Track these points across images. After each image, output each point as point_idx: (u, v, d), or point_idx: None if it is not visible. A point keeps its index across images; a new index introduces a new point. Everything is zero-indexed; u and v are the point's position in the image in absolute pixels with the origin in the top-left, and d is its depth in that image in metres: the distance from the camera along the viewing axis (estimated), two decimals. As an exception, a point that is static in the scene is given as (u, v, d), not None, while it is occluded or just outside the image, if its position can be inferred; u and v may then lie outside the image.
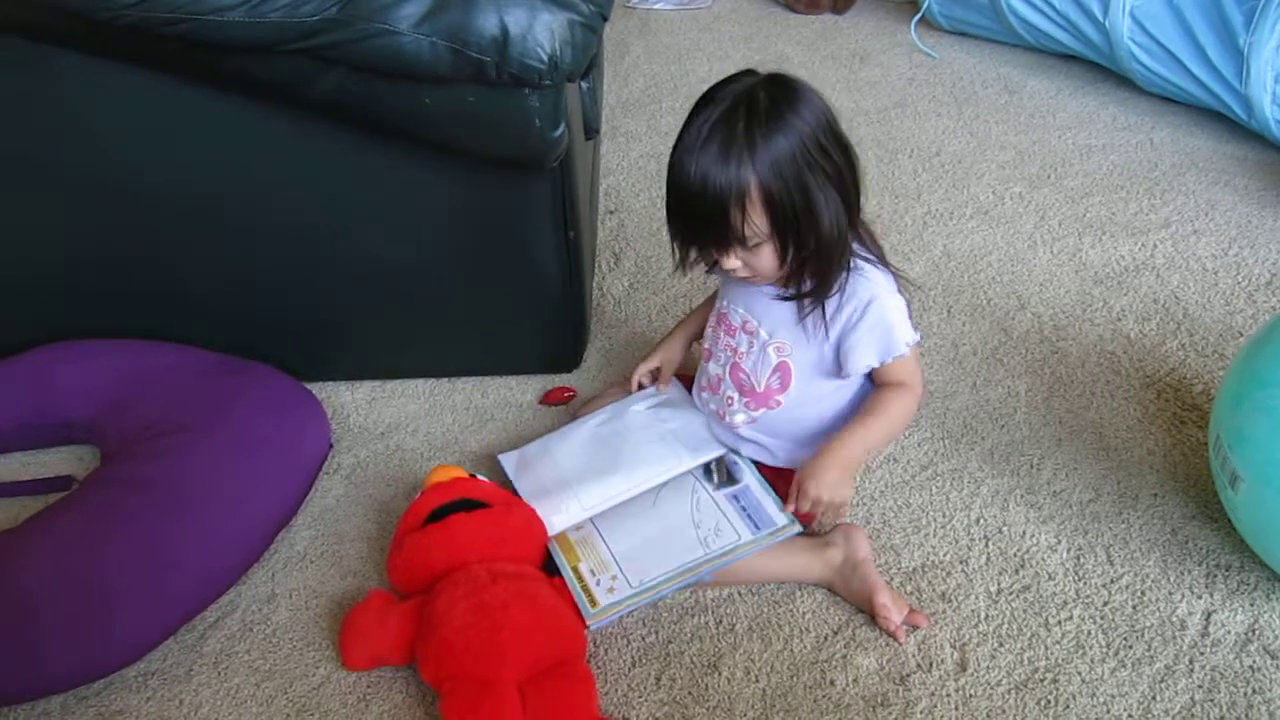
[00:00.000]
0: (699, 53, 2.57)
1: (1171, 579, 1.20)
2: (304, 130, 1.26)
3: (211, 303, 1.44)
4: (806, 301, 1.14)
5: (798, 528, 1.16)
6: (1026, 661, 1.11)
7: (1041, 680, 1.09)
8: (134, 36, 1.12)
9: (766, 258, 1.09)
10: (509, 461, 1.34)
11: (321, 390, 1.50)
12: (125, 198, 1.33)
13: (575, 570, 1.16)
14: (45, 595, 1.10)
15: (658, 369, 1.37)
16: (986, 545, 1.25)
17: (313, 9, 1.10)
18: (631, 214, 1.92)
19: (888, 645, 1.14)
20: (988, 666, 1.11)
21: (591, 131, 1.51)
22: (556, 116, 1.20)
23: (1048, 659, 1.11)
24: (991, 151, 2.08)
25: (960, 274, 1.72)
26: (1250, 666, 1.10)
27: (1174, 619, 1.15)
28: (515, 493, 1.28)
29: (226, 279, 1.42)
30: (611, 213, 1.92)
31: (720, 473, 1.24)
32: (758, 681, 1.11)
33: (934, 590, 1.19)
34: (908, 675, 1.10)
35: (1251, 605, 1.16)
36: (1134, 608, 1.17)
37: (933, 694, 1.09)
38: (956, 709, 1.07)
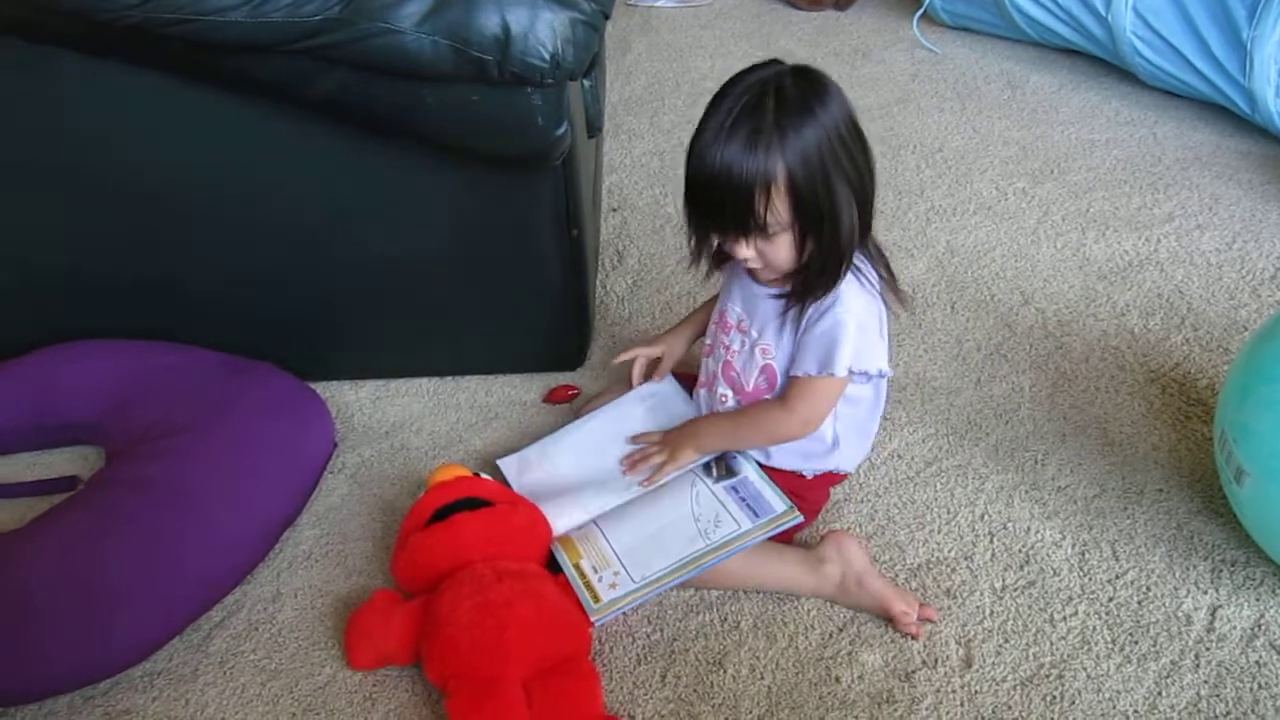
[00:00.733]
0: (701, 50, 2.57)
1: (1177, 574, 1.19)
2: (306, 130, 1.26)
3: (214, 303, 1.44)
4: (792, 298, 1.13)
5: (798, 515, 1.15)
6: (1032, 657, 1.11)
7: (1047, 676, 1.09)
8: (136, 37, 1.12)
9: (783, 249, 1.07)
10: (509, 466, 1.34)
11: (325, 390, 1.50)
12: (128, 198, 1.33)
13: (577, 567, 1.16)
14: (51, 595, 1.10)
15: (658, 359, 1.37)
16: (991, 541, 1.25)
17: (314, 9, 1.10)
18: (634, 212, 1.92)
19: (893, 642, 1.14)
20: (993, 662, 1.11)
21: (594, 129, 1.51)
22: (559, 115, 1.20)
23: (1053, 655, 1.11)
24: (994, 147, 2.08)
25: (964, 270, 1.72)
26: (1256, 661, 1.10)
27: (1179, 614, 1.15)
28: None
29: (229, 279, 1.42)
30: (614, 210, 1.92)
31: (719, 467, 1.24)
32: (763, 679, 1.11)
33: (939, 586, 1.19)
34: (913, 672, 1.10)
35: (1257, 600, 1.16)
36: (1139, 603, 1.16)
37: (938, 690, 1.08)
38: (962, 705, 1.07)
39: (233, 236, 1.37)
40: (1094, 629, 1.14)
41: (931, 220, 1.85)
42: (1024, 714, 1.06)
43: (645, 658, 1.14)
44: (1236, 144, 2.04)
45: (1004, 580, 1.20)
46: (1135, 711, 1.06)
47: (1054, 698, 1.07)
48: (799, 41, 2.59)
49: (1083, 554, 1.22)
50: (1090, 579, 1.19)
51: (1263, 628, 1.13)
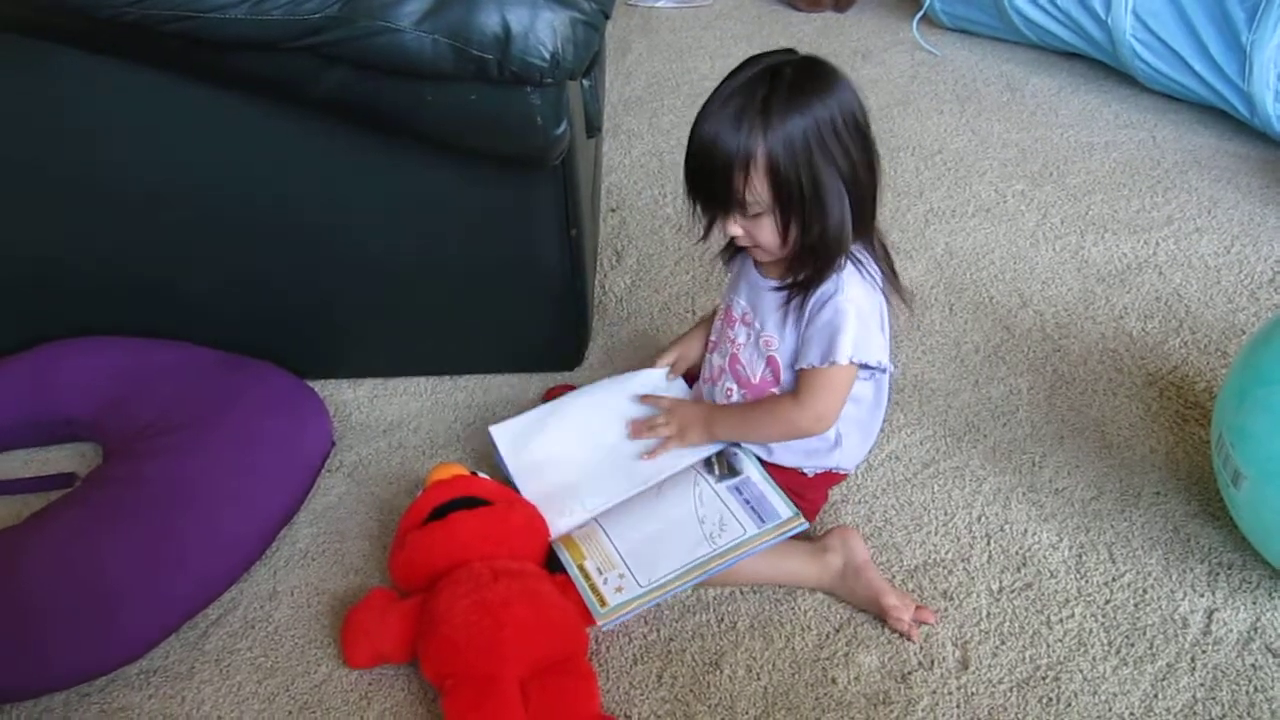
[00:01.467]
0: (701, 50, 2.57)
1: (1174, 577, 1.20)
2: (305, 128, 1.26)
3: (213, 300, 1.44)
4: (792, 290, 1.14)
5: (803, 522, 1.16)
6: (1028, 659, 1.11)
7: (1043, 678, 1.09)
8: (135, 34, 1.12)
9: (767, 230, 1.09)
10: (502, 435, 1.32)
11: (323, 388, 1.50)
12: (126, 196, 1.33)
13: (581, 569, 1.16)
14: (47, 593, 1.10)
15: (672, 364, 1.37)
16: (988, 543, 1.25)
17: (314, 7, 1.10)
18: (633, 212, 1.92)
19: (889, 643, 1.14)
20: (989, 664, 1.11)
21: (593, 129, 1.51)
22: (558, 114, 1.20)
23: (1049, 657, 1.11)
24: (993, 149, 2.08)
25: (962, 272, 1.72)
26: (1252, 665, 1.10)
27: (1176, 617, 1.15)
28: (509, 480, 1.27)
29: (228, 277, 1.42)
30: (613, 210, 1.92)
31: (722, 465, 1.24)
32: (759, 679, 1.11)
33: (936, 588, 1.19)
34: (909, 673, 1.10)
35: (1254, 603, 1.16)
36: (1136, 606, 1.16)
37: (934, 692, 1.09)
38: (958, 707, 1.07)
39: (231, 234, 1.37)
40: (1090, 631, 1.14)
41: (930, 222, 1.86)
42: (1020, 716, 1.06)
43: (642, 657, 1.14)
44: (1235, 147, 2.04)
45: (1001, 582, 1.20)
46: (1131, 714, 1.06)
47: (1050, 699, 1.07)
48: (798, 43, 2.57)
49: (1080, 556, 1.22)
50: (1087, 581, 1.19)
51: (1259, 631, 1.13)
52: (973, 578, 1.21)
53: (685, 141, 1.08)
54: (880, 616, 1.15)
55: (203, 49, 1.14)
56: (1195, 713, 1.05)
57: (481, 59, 1.12)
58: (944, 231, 1.83)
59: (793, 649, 1.14)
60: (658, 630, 1.16)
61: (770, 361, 1.19)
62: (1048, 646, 1.13)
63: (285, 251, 1.39)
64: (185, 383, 1.37)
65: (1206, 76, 2.02)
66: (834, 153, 1.05)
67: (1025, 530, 1.26)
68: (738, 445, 1.25)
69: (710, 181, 1.08)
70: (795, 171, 1.04)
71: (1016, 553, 1.23)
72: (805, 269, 1.12)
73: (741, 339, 1.22)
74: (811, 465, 1.23)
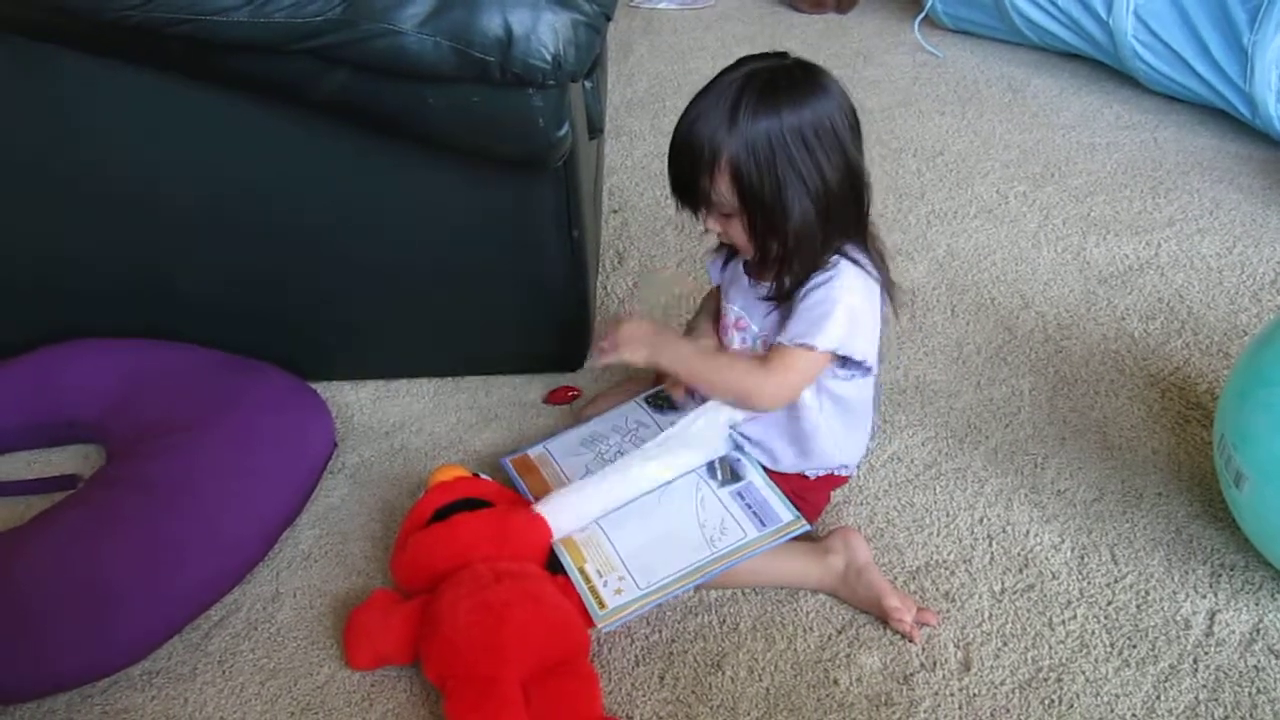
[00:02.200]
0: (703, 52, 2.57)
1: (1176, 578, 1.19)
2: (308, 130, 1.27)
3: (216, 302, 1.44)
4: (777, 300, 1.15)
5: (804, 525, 1.16)
6: (1030, 661, 1.11)
7: (1045, 680, 1.09)
8: (138, 37, 1.12)
9: (738, 231, 1.11)
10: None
11: (326, 389, 1.50)
12: (128, 198, 1.33)
13: (582, 571, 1.16)
14: (50, 594, 1.10)
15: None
16: (990, 544, 1.25)
17: (316, 9, 1.10)
18: (635, 213, 1.92)
19: (891, 644, 1.14)
20: (991, 666, 1.11)
21: (595, 131, 1.52)
22: (560, 116, 1.20)
23: (1052, 658, 1.11)
24: (995, 150, 2.08)
25: (964, 273, 1.72)
26: (1254, 666, 1.10)
27: (1178, 618, 1.15)
28: (518, 492, 1.28)
29: (230, 278, 1.42)
30: (615, 212, 1.92)
31: (724, 470, 1.23)
32: (761, 680, 1.11)
33: (937, 589, 1.19)
34: (911, 675, 1.10)
35: (1256, 605, 1.16)
36: (1138, 607, 1.16)
37: (936, 693, 1.08)
38: (960, 708, 1.07)
39: (234, 236, 1.37)
40: (1093, 633, 1.14)
41: (932, 223, 1.86)
42: (1022, 717, 1.06)
43: (644, 659, 1.14)
44: (1237, 148, 2.04)
45: (1003, 583, 1.20)
46: (1134, 715, 1.06)
47: (1052, 701, 1.07)
48: (801, 44, 2.60)
49: (1082, 557, 1.22)
50: (1089, 582, 1.19)
51: (1261, 632, 1.13)
52: (975, 579, 1.21)
53: (686, 143, 1.09)
54: (882, 618, 1.15)
55: (205, 51, 1.14)
56: (1198, 714, 1.05)
57: (483, 61, 1.12)
58: (946, 233, 1.83)
59: (795, 650, 1.14)
60: (660, 631, 1.16)
61: None
62: (1050, 648, 1.12)
63: (287, 253, 1.39)
64: (188, 384, 1.38)
65: (1208, 77, 2.02)
66: (799, 160, 1.05)
67: (1027, 531, 1.26)
68: (740, 451, 1.24)
69: (683, 179, 1.11)
70: (758, 175, 1.05)
71: (1018, 554, 1.23)
72: (788, 276, 1.12)
73: (737, 344, 1.22)
74: (812, 468, 1.23)
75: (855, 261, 1.13)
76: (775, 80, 1.06)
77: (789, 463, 1.22)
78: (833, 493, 1.29)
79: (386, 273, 1.41)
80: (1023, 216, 1.87)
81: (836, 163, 1.07)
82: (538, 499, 1.23)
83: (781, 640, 1.15)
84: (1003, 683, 1.09)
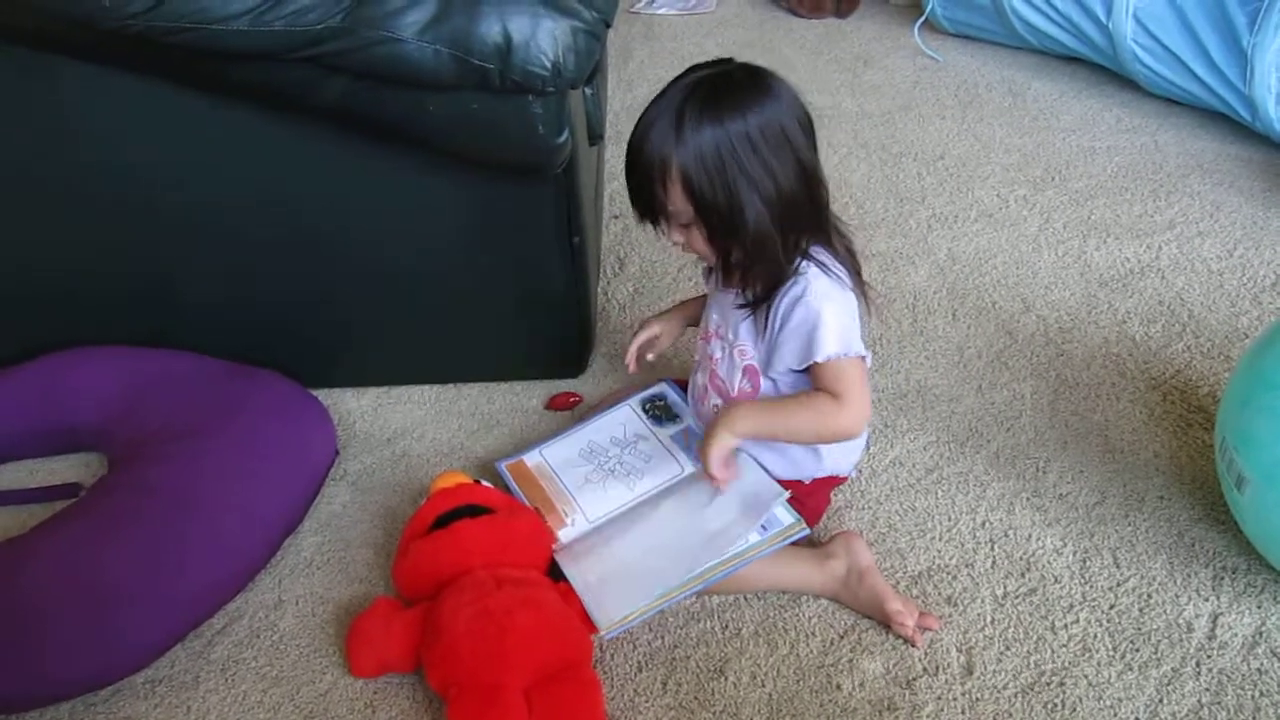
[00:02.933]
0: (703, 57, 2.54)
1: (1178, 581, 1.19)
2: (308, 137, 1.27)
3: (217, 309, 1.44)
4: (751, 308, 1.15)
5: (805, 529, 1.16)
6: (1033, 665, 1.11)
7: (1048, 684, 1.09)
8: (139, 45, 1.13)
9: (698, 240, 1.12)
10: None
11: (327, 397, 1.50)
12: (129, 205, 1.33)
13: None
14: (52, 602, 1.10)
15: (656, 336, 1.36)
16: (992, 548, 1.25)
17: (317, 18, 1.10)
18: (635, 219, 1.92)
19: (894, 649, 1.14)
20: (994, 670, 1.11)
21: (595, 137, 1.52)
22: (560, 122, 1.20)
23: (1054, 662, 1.11)
24: (995, 154, 2.08)
25: (965, 277, 1.72)
26: (1257, 669, 1.10)
27: (1181, 622, 1.15)
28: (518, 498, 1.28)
29: (231, 285, 1.42)
30: (616, 218, 1.93)
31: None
32: (764, 686, 1.11)
33: (940, 594, 1.19)
34: (914, 679, 1.10)
35: (1259, 608, 1.16)
36: (1140, 610, 1.16)
37: (939, 698, 1.08)
38: (963, 713, 1.07)
39: (235, 243, 1.37)
40: (1095, 636, 1.14)
41: (933, 227, 1.86)
42: (1025, 722, 1.06)
43: (646, 665, 1.14)
44: (1237, 151, 2.04)
45: (1005, 587, 1.20)
46: (1136, 719, 1.05)
47: (1055, 705, 1.07)
48: (800, 49, 2.60)
49: (1084, 561, 1.22)
50: (1091, 586, 1.19)
51: (1264, 635, 1.13)
52: (977, 583, 1.20)
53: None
54: (884, 622, 1.15)
55: (206, 60, 1.15)
56: (1200, 718, 1.05)
57: (483, 68, 1.13)
58: (946, 237, 1.83)
59: (797, 655, 1.14)
60: (662, 637, 1.16)
61: (748, 371, 1.19)
62: (1052, 652, 1.12)
63: (288, 260, 1.39)
64: (190, 392, 1.38)
65: (1208, 80, 2.02)
66: (748, 164, 1.04)
67: (1029, 535, 1.26)
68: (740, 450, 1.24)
69: (639, 192, 1.11)
70: (709, 183, 1.05)
71: (1020, 558, 1.23)
72: (755, 281, 1.13)
73: (718, 354, 1.22)
74: (806, 474, 1.23)
75: (822, 265, 1.12)
76: (718, 87, 1.06)
77: (781, 472, 1.22)
78: (834, 497, 1.29)
79: (387, 279, 1.41)
80: (1023, 220, 1.87)
81: (788, 164, 1.06)
82: (538, 509, 1.24)
83: (784, 645, 1.15)
84: (1005, 687, 1.09)
